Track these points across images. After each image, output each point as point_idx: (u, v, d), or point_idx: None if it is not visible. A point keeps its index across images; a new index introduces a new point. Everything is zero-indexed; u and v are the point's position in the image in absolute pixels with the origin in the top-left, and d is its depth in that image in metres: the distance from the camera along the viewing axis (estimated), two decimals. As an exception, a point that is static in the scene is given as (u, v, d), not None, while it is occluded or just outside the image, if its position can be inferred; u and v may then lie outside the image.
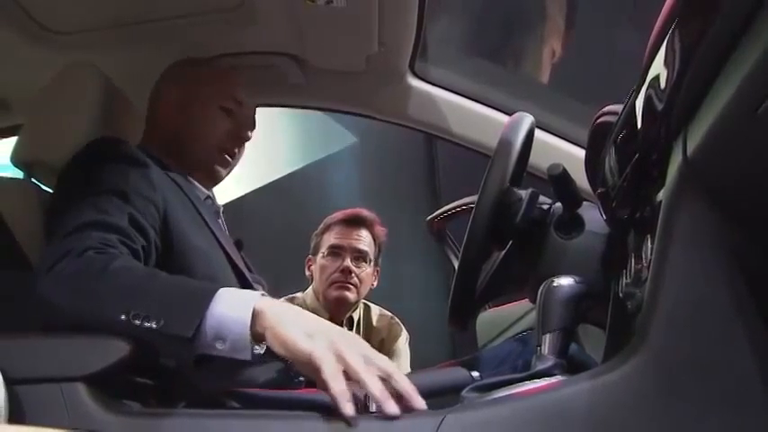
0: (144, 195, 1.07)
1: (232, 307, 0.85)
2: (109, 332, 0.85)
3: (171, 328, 0.83)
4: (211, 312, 0.84)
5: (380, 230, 2.20)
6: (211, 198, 1.34)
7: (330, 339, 0.82)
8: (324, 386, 0.79)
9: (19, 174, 1.32)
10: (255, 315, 0.84)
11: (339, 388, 0.78)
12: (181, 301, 0.86)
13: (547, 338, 0.86)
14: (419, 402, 0.79)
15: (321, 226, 2.23)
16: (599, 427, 0.71)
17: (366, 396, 0.81)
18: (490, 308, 1.85)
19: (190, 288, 0.90)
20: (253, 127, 1.38)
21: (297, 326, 0.83)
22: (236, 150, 1.35)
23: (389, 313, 2.27)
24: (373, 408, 0.79)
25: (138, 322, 0.83)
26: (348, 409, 0.77)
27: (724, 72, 0.61)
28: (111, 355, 0.84)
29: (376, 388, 0.78)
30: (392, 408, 0.77)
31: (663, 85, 0.70)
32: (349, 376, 0.80)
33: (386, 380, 0.80)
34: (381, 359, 0.83)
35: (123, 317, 0.83)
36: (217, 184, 1.37)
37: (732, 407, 0.70)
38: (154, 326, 0.83)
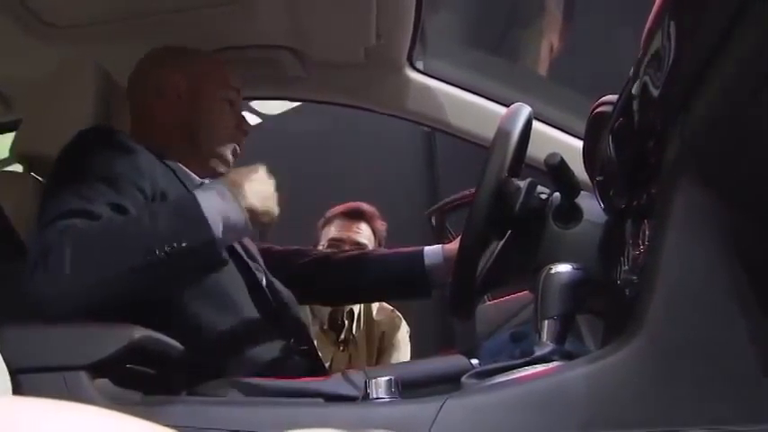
0: (130, 181, 1.06)
1: (210, 197, 0.97)
2: (136, 281, 0.91)
3: (195, 241, 0.93)
4: (205, 209, 0.95)
5: (380, 224, 2.20)
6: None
7: None
8: None
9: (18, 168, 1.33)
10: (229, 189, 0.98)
11: None
12: (181, 217, 0.96)
13: (546, 325, 0.86)
14: None
15: (322, 219, 2.23)
16: (598, 411, 0.71)
17: (366, 383, 0.82)
18: (489, 301, 1.85)
19: (175, 207, 1.01)
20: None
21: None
22: (242, 144, 1.31)
23: (390, 306, 2.27)
24: (374, 394, 0.80)
25: (167, 250, 0.91)
26: None
27: (721, 56, 0.61)
28: (113, 344, 0.85)
29: None
30: None
31: (659, 71, 0.71)
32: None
33: None
34: None
35: (149, 257, 0.91)
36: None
37: (729, 390, 0.70)
38: (179, 246, 0.92)
